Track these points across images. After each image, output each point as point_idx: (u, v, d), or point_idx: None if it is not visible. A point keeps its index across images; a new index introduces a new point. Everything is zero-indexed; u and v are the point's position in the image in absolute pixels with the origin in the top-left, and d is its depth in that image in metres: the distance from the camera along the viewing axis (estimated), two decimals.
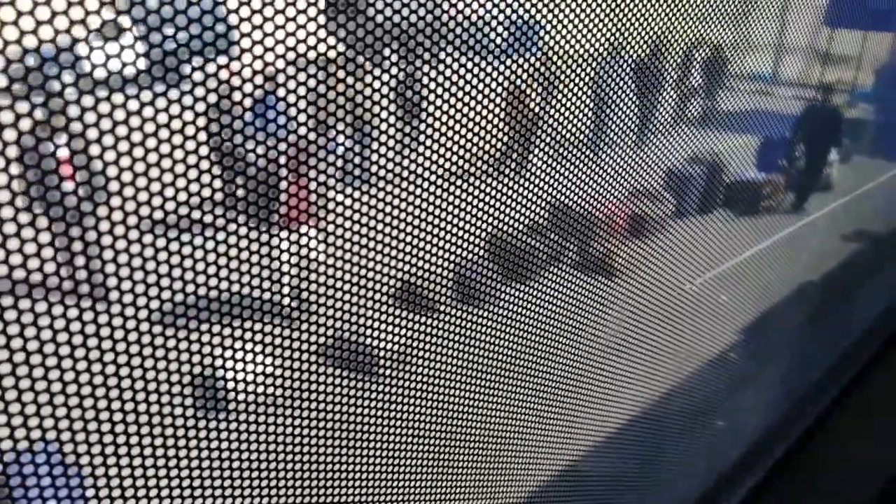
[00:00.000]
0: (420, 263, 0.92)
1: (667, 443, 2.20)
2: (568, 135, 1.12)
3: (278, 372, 0.85)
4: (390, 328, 0.95)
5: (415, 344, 1.00)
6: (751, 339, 2.61)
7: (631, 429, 1.79)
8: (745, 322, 2.58)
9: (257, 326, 0.79)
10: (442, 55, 0.84)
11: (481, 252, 1.03)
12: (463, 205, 0.96)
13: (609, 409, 1.60)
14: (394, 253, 0.89)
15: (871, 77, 5.16)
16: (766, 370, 2.90)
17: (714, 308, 2.09)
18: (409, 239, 0.90)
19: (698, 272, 1.83)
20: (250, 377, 0.85)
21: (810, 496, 1.89)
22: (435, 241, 0.93)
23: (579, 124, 1.13)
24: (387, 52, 0.80)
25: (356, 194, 0.90)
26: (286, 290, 0.83)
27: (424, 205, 0.90)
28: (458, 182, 0.95)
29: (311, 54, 0.71)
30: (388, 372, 0.99)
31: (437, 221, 0.93)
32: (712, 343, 2.19)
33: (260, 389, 0.87)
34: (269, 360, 0.83)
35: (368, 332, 0.94)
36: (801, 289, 3.11)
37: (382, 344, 0.95)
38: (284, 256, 0.79)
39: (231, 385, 0.83)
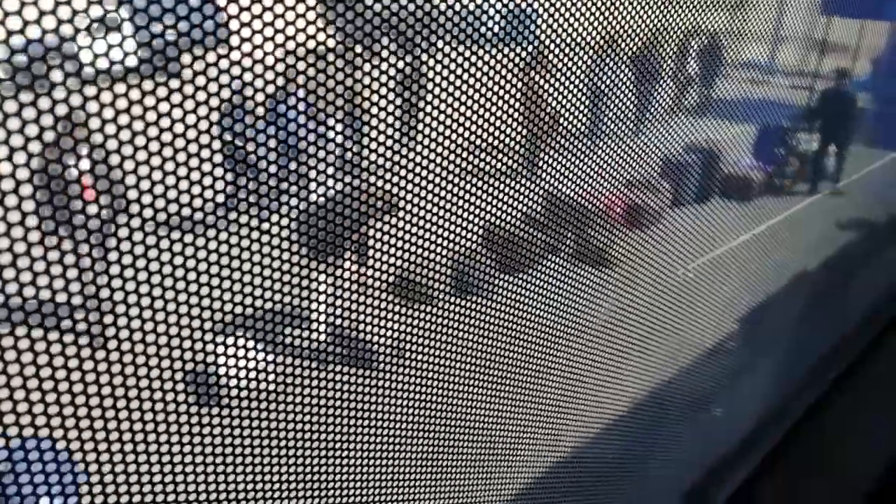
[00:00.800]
0: (419, 255, 0.93)
1: (668, 426, 2.21)
2: (567, 124, 1.13)
3: (278, 367, 0.85)
4: (390, 319, 0.96)
5: (413, 335, 1.01)
6: (751, 323, 2.62)
7: (631, 414, 1.80)
8: (745, 306, 2.59)
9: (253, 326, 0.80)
10: (441, 44, 0.85)
11: (480, 243, 1.04)
12: (462, 193, 0.97)
13: (608, 394, 1.61)
14: (393, 244, 0.89)
15: (867, 66, 5.17)
16: (765, 355, 2.91)
17: (712, 294, 2.10)
18: (407, 230, 0.90)
19: (692, 257, 1.84)
20: (249, 371, 0.86)
21: (809, 479, 1.90)
22: (434, 229, 0.94)
23: (580, 114, 1.13)
24: (385, 42, 0.81)
25: (356, 183, 0.90)
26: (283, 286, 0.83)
27: (423, 193, 0.90)
28: (458, 172, 0.95)
29: (312, 45, 0.71)
30: (388, 363, 0.99)
31: (436, 210, 0.93)
32: (712, 328, 2.20)
33: (253, 384, 0.87)
34: (269, 356, 0.84)
35: (368, 325, 0.94)
36: (801, 273, 3.13)
37: (381, 336, 0.96)
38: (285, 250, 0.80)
39: (225, 378, 0.84)
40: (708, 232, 1.91)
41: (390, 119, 0.85)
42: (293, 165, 0.78)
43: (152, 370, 0.73)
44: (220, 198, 0.73)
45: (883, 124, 5.58)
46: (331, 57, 0.75)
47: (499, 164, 1.06)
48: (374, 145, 0.85)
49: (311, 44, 0.70)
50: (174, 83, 0.62)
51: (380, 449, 1.05)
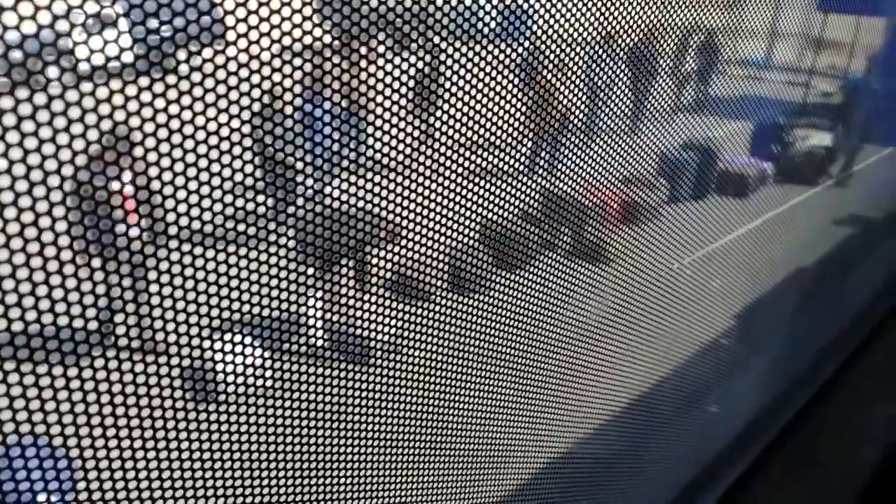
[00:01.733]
0: (417, 251, 0.94)
1: (665, 421, 2.21)
2: (564, 120, 1.13)
3: (272, 366, 0.86)
4: (388, 316, 0.96)
5: (409, 331, 1.01)
6: (751, 317, 2.62)
7: (629, 409, 1.80)
8: (744, 300, 2.60)
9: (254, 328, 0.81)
10: (440, 41, 0.86)
11: (476, 239, 1.04)
12: (459, 189, 0.97)
13: (605, 389, 1.62)
14: (392, 241, 0.90)
15: (864, 62, 5.17)
16: (764, 348, 2.92)
17: (710, 288, 2.11)
18: (405, 226, 0.91)
19: (689, 251, 1.85)
20: (239, 370, 0.87)
21: (808, 468, 1.91)
22: (432, 225, 0.94)
23: (576, 110, 1.14)
24: (381, 38, 0.82)
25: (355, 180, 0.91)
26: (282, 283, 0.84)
27: (421, 189, 0.91)
28: (456, 170, 0.96)
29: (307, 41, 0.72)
30: (383, 360, 1.00)
31: (433, 206, 0.94)
32: (711, 323, 2.21)
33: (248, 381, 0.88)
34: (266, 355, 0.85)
35: (367, 321, 0.95)
36: (804, 265, 3.13)
37: (379, 333, 0.96)
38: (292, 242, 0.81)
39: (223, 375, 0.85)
40: (705, 226, 1.92)
41: (392, 118, 0.86)
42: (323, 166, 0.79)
43: (173, 374, 0.73)
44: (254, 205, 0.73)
45: (881, 119, 5.59)
46: (328, 52, 0.76)
47: (494, 160, 1.06)
48: (382, 148, 0.86)
49: (312, 40, 0.71)
50: (185, 84, 0.63)
51: (374, 447, 1.06)
